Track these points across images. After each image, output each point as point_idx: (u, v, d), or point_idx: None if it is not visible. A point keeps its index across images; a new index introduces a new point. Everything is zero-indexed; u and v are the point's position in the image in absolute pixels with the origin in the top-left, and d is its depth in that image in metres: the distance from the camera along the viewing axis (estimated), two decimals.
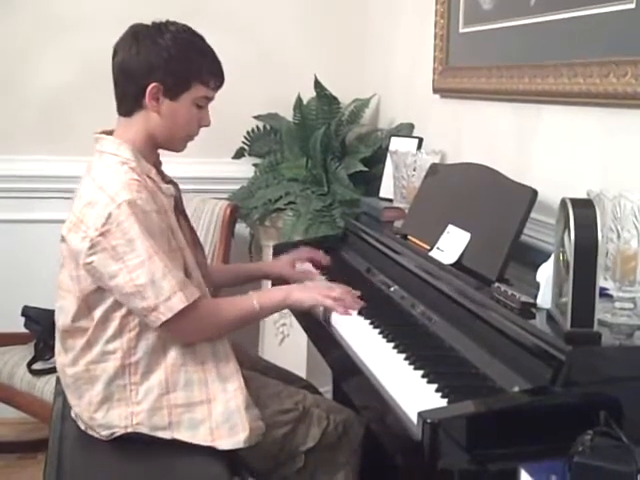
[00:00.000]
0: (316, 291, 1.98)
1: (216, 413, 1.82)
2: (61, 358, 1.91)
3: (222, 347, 1.87)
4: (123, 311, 1.80)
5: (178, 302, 1.75)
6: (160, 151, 1.96)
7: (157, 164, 1.95)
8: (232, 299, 1.94)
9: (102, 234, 1.73)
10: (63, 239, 1.83)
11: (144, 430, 1.82)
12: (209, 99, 1.92)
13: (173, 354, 1.83)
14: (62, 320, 1.88)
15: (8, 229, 3.24)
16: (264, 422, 1.86)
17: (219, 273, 2.31)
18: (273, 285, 2.45)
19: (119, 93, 1.89)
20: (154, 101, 1.84)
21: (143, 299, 1.74)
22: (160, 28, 1.86)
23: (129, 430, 1.82)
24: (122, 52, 1.86)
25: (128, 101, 1.87)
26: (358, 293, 2.02)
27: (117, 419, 1.83)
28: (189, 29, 1.90)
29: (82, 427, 1.90)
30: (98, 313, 1.82)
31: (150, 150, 1.90)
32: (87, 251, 1.75)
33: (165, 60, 1.82)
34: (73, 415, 1.94)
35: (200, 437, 1.81)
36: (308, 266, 2.36)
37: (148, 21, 1.89)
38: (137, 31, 1.86)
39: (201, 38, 1.91)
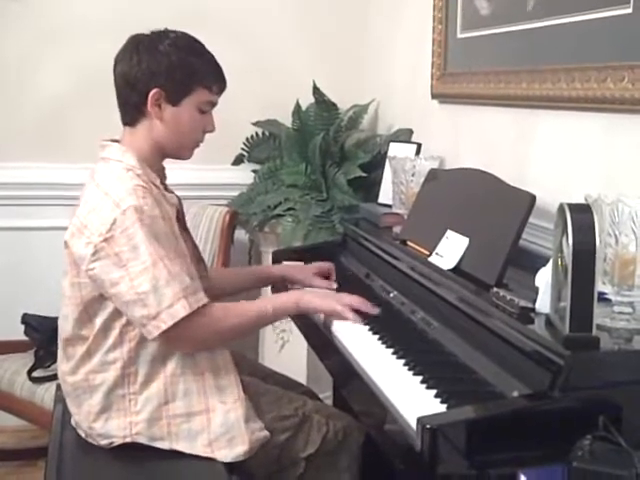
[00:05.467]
0: (331, 297, 1.98)
1: (214, 424, 1.81)
2: (62, 366, 1.91)
3: (221, 358, 1.87)
4: (123, 320, 1.80)
5: (181, 309, 1.73)
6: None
7: (161, 175, 1.95)
8: (243, 304, 1.93)
9: (106, 240, 1.73)
10: (66, 245, 1.83)
11: (143, 440, 1.82)
12: (213, 104, 1.92)
13: (172, 364, 1.82)
14: (64, 328, 1.88)
15: (6, 237, 3.24)
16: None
17: (222, 278, 2.29)
18: (273, 292, 2.45)
19: (122, 102, 1.89)
20: (156, 107, 1.85)
21: (144, 307, 1.72)
22: (159, 36, 1.88)
23: (127, 440, 1.82)
24: (123, 62, 1.87)
25: (131, 110, 1.87)
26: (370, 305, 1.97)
27: (116, 429, 1.83)
28: (188, 35, 1.91)
29: (82, 435, 1.90)
30: (99, 321, 1.81)
31: (156, 159, 1.91)
32: (90, 257, 1.75)
33: (166, 66, 1.84)
34: (73, 423, 1.93)
35: (199, 448, 1.81)
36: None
37: (145, 30, 1.90)
38: (137, 41, 1.88)
39: (200, 43, 1.92)
